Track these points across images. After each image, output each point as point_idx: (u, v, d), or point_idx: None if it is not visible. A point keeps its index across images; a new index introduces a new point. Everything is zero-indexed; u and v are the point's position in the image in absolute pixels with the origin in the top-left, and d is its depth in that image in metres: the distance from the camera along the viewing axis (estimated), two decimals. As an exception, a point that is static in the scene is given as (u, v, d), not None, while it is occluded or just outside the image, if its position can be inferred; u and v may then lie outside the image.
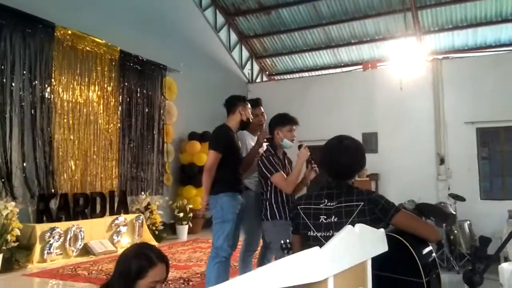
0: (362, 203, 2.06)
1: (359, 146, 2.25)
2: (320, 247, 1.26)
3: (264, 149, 3.60)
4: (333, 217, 2.09)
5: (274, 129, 3.37)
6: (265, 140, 3.56)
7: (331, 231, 2.07)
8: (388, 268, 1.88)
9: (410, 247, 1.94)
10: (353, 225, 1.95)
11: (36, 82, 6.28)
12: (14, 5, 5.95)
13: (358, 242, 1.49)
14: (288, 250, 2.20)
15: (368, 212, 2.04)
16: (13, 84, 5.97)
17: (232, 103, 3.59)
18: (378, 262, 1.63)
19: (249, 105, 3.64)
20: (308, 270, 1.22)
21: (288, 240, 2.25)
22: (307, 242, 2.14)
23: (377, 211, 2.05)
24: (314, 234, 2.12)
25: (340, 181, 2.20)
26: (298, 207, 2.23)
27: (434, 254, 2.09)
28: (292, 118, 3.41)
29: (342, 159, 2.17)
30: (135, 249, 1.79)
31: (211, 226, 3.48)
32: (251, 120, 3.63)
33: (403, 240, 1.96)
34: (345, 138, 2.24)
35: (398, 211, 2.05)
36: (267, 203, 3.32)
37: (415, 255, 1.92)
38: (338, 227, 2.04)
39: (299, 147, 3.26)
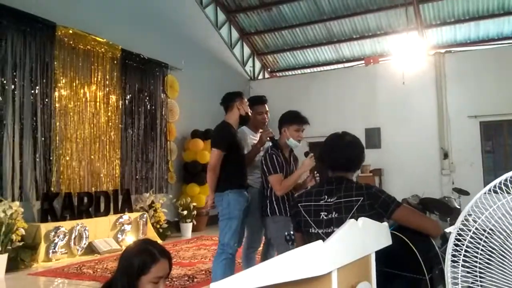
0: (362, 198, 2.05)
1: (359, 141, 2.30)
2: (323, 244, 1.25)
3: (266, 147, 3.57)
4: (334, 213, 2.08)
5: (281, 126, 3.31)
6: (267, 138, 3.52)
7: (332, 227, 2.06)
8: (392, 264, 1.87)
9: (411, 244, 1.94)
10: (354, 220, 1.98)
11: (38, 81, 6.28)
12: (14, 5, 5.94)
13: (361, 236, 1.48)
14: (292, 241, 2.20)
15: (368, 208, 2.03)
16: (14, 85, 5.97)
17: (229, 100, 3.55)
18: (382, 258, 1.63)
19: (245, 100, 3.59)
20: (311, 264, 1.21)
21: (292, 232, 2.24)
22: (309, 240, 2.12)
23: (377, 206, 2.04)
24: (316, 231, 2.11)
25: (341, 175, 2.21)
26: (299, 204, 2.23)
27: (437, 249, 2.07)
28: (301, 117, 3.31)
29: (343, 153, 2.21)
30: (138, 245, 1.79)
31: (218, 223, 3.46)
32: (250, 114, 3.58)
33: (404, 238, 1.96)
34: (346, 134, 2.30)
35: (399, 206, 2.03)
36: (268, 200, 3.32)
37: (416, 252, 1.92)
38: (338, 223, 2.03)
39: (306, 154, 3.19)
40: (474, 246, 1.49)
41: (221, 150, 3.35)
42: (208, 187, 3.49)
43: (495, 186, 1.48)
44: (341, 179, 2.18)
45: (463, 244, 1.50)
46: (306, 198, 2.22)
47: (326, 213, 2.11)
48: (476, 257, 1.48)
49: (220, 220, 3.41)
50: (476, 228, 1.50)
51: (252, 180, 3.63)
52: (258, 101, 3.78)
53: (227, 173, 3.38)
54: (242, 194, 3.41)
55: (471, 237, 1.49)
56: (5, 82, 5.86)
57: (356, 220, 1.96)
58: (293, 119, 3.29)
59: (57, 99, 6.58)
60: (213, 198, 3.41)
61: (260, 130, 3.76)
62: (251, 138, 3.73)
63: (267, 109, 3.82)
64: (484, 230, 1.51)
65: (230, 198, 3.34)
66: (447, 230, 1.52)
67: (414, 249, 1.93)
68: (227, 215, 3.34)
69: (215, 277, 3.34)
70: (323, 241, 2.07)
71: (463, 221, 1.53)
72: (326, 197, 2.14)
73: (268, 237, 3.61)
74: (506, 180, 1.45)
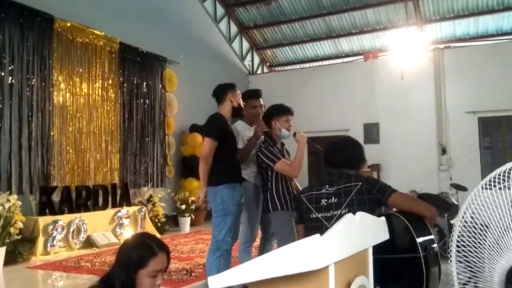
0: (360, 183, 2.25)
1: (358, 143, 2.58)
2: (321, 227, 1.27)
3: (259, 141, 3.57)
4: (333, 197, 2.27)
5: (271, 119, 3.38)
6: (262, 133, 3.50)
7: (331, 211, 2.24)
8: (386, 249, 1.90)
9: (406, 222, 2.03)
10: (353, 203, 2.15)
11: (35, 74, 6.25)
12: (13, -2, 5.92)
13: (359, 230, 1.48)
14: None
15: (366, 191, 2.22)
16: (12, 78, 5.94)
17: (221, 91, 3.48)
18: (376, 245, 1.65)
19: (238, 91, 3.53)
20: (308, 258, 1.21)
21: None
22: (309, 225, 2.30)
23: (374, 191, 2.22)
24: (316, 216, 2.28)
25: (342, 170, 2.37)
26: (302, 195, 2.43)
27: (432, 235, 2.12)
28: (288, 108, 3.44)
29: (344, 152, 2.46)
30: (136, 239, 1.79)
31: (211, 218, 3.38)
32: (242, 106, 3.52)
33: (400, 216, 2.07)
34: (348, 137, 2.65)
35: (394, 191, 2.23)
36: (268, 195, 3.31)
37: (412, 229, 2.01)
38: (337, 206, 2.23)
39: (294, 134, 3.31)
40: (480, 239, 1.51)
41: (213, 139, 3.27)
42: (201, 180, 3.38)
43: (493, 180, 1.49)
44: (342, 173, 2.36)
45: (456, 236, 1.52)
46: (309, 188, 2.43)
47: (326, 200, 2.29)
48: (483, 249, 1.49)
49: (214, 216, 3.32)
50: (473, 220, 1.52)
51: (247, 174, 3.60)
52: (252, 95, 3.73)
53: (219, 164, 3.28)
54: (236, 188, 3.31)
55: (462, 230, 1.51)
56: (2, 75, 5.83)
57: (355, 202, 2.18)
58: (282, 111, 3.41)
59: (55, 92, 6.55)
60: (205, 192, 3.31)
61: (254, 126, 3.73)
62: (246, 132, 3.67)
63: (262, 103, 3.77)
64: (487, 226, 1.53)
65: (224, 194, 3.24)
66: (451, 221, 1.57)
67: (410, 227, 2.01)
68: (222, 211, 3.25)
69: (210, 274, 3.20)
70: (323, 224, 2.19)
71: (464, 214, 1.55)
72: (327, 186, 2.34)
73: (270, 232, 3.62)
74: (503, 173, 1.46)
